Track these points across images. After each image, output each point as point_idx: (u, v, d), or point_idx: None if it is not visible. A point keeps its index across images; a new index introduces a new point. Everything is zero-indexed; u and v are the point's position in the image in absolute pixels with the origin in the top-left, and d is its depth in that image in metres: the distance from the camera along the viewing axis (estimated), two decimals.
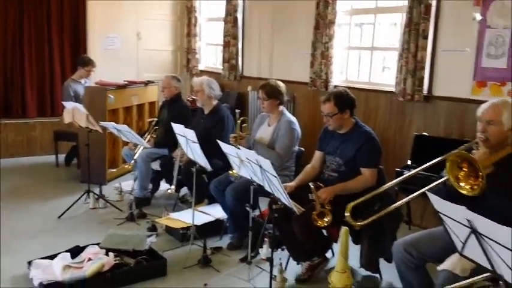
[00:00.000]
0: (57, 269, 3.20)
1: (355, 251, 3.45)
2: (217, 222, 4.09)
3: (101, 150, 5.38)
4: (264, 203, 3.89)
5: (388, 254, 3.12)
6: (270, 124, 3.93)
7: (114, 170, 5.71)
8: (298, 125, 3.90)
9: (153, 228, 4.07)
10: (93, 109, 4.93)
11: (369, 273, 3.46)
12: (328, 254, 3.67)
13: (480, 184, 2.25)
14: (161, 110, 5.18)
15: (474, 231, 1.70)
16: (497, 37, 3.92)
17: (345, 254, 2.06)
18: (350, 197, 3.00)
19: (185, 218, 3.99)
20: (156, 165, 4.82)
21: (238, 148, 3.32)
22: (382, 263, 3.33)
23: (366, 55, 5.39)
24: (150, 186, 4.90)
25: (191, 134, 3.41)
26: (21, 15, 6.77)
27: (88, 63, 6.17)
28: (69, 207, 4.51)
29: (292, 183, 3.47)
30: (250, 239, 3.44)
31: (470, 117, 3.97)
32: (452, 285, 2.15)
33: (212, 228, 4.03)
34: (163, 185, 4.98)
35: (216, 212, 4.14)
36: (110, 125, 4.40)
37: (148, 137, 4.80)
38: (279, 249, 3.79)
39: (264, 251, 3.66)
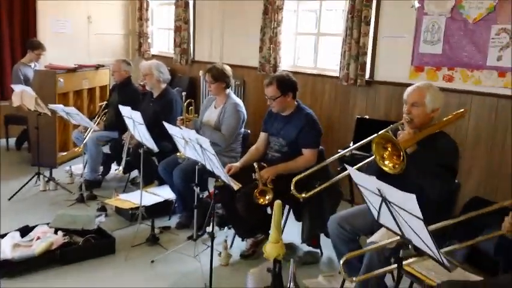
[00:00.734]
0: (7, 247, 3.25)
1: (297, 228, 3.66)
2: (166, 202, 4.20)
3: (51, 133, 5.37)
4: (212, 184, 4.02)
5: (327, 230, 3.32)
6: (217, 106, 4.05)
7: (65, 153, 5.72)
8: (244, 108, 4.04)
9: (102, 209, 4.15)
10: (43, 93, 4.91)
11: (310, 248, 3.66)
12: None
13: (401, 163, 2.46)
14: (111, 93, 5.21)
15: (384, 199, 1.89)
16: (433, 24, 4.13)
17: (277, 226, 2.22)
18: (292, 176, 3.17)
19: (134, 199, 4.08)
20: (107, 149, 4.87)
21: (181, 128, 3.42)
22: (323, 239, 3.51)
23: (312, 41, 5.56)
24: (101, 169, 4.95)
25: (138, 116, 3.48)
26: None
27: (38, 47, 6.11)
28: (19, 189, 4.54)
29: (237, 164, 3.61)
30: (196, 217, 3.57)
31: None
32: (368, 247, 2.35)
33: (161, 209, 4.15)
34: (114, 168, 5.04)
35: (165, 193, 4.25)
36: (59, 108, 4.41)
37: (99, 120, 4.84)
38: (226, 228, 3.96)
39: (211, 229, 3.80)
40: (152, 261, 3.44)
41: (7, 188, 4.69)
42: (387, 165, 2.55)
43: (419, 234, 1.76)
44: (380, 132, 2.62)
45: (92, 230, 3.58)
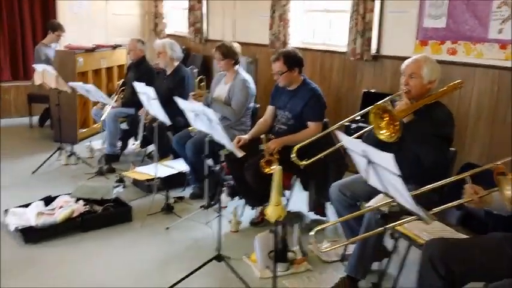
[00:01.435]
0: (31, 215, 3.50)
1: (305, 197, 3.84)
2: (181, 174, 4.41)
3: (72, 111, 5.63)
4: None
5: None
6: (226, 82, 4.22)
7: (85, 130, 5.98)
8: (254, 84, 4.20)
9: (120, 181, 4.39)
10: (63, 72, 5.13)
11: (317, 217, 3.84)
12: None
13: (397, 132, 2.60)
14: (128, 71, 5.42)
15: (369, 161, 2.05)
16: None
17: (278, 189, 2.39)
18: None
19: (150, 171, 4.29)
20: (125, 126, 5.10)
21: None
22: (330, 208, 3.65)
23: (321, 18, 5.65)
24: (120, 144, 5.18)
25: (151, 91, 3.67)
26: None
27: (57, 28, 6.36)
28: (43, 163, 4.81)
29: (246, 136, 3.78)
30: (208, 186, 3.77)
31: None
32: (363, 210, 2.52)
33: (176, 180, 4.37)
34: (132, 143, 5.28)
35: (179, 166, 4.46)
36: (78, 85, 4.64)
37: (116, 97, 5.06)
38: (237, 198, 4.16)
39: (223, 199, 4.02)
40: (167, 228, 3.66)
41: (30, 163, 4.96)
42: (384, 134, 2.68)
43: (400, 190, 1.92)
44: (378, 103, 2.76)
45: (111, 199, 3.82)
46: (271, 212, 2.47)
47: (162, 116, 3.67)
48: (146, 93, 3.75)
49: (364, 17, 4.63)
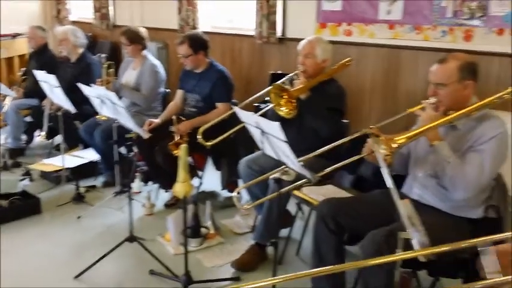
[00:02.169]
0: None
1: (217, 177, 3.95)
2: (91, 164, 4.34)
3: None
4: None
5: None
6: (135, 68, 4.20)
7: None
8: (163, 68, 4.22)
9: (27, 174, 4.24)
10: None
11: (230, 194, 3.97)
12: (195, 182, 4.11)
13: (294, 109, 2.78)
14: (30, 60, 5.20)
15: (262, 131, 2.20)
16: None
17: (184, 166, 2.47)
18: (209, 129, 3.39)
19: (58, 162, 4.19)
20: (29, 119, 4.90)
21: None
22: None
23: (231, 2, 5.72)
24: (24, 137, 4.99)
25: (52, 78, 3.58)
26: None
27: None
28: None
29: (157, 120, 3.82)
30: (120, 173, 3.76)
31: None
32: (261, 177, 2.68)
33: (87, 170, 4.29)
34: (37, 134, 5.08)
35: (89, 155, 4.37)
36: None
37: (18, 88, 4.84)
38: (151, 182, 4.19)
39: (136, 184, 4.03)
40: (78, 217, 3.61)
41: None
42: (283, 111, 2.88)
43: (289, 156, 2.10)
44: (275, 83, 2.93)
45: (17, 193, 3.70)
46: (179, 188, 2.55)
47: (67, 104, 3.61)
48: (48, 81, 3.65)
49: (268, 0, 4.78)
